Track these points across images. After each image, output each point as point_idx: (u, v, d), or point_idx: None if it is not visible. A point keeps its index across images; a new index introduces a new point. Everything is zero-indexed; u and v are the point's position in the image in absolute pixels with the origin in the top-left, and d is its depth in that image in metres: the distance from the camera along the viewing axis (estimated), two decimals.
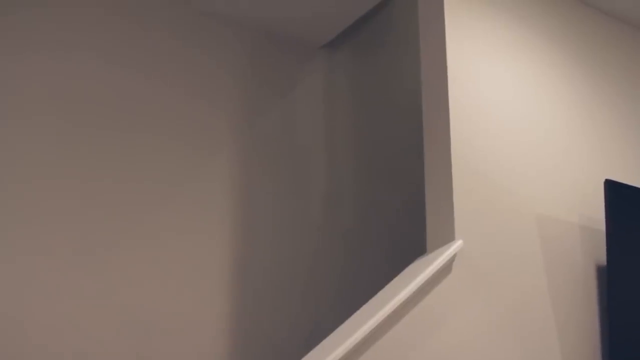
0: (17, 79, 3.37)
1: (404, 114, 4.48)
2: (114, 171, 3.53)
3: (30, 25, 3.46)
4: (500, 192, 3.22)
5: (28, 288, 3.21)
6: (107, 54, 3.64)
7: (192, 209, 3.71)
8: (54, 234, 3.32)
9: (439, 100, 3.22)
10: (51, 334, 3.21)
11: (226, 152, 3.90)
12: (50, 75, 3.46)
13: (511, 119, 3.37)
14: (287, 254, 3.96)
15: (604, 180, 3.40)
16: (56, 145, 3.41)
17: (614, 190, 3.31)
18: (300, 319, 3.89)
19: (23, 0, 3.46)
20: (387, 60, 4.58)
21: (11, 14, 3.42)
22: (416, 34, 4.54)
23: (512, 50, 3.47)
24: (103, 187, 3.49)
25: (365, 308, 2.83)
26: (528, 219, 3.28)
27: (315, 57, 4.36)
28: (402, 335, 2.76)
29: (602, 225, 3.46)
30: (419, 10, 3.45)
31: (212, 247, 3.73)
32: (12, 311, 3.14)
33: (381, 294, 2.88)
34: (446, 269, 2.95)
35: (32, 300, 3.20)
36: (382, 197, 4.36)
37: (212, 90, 3.93)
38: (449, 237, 3.02)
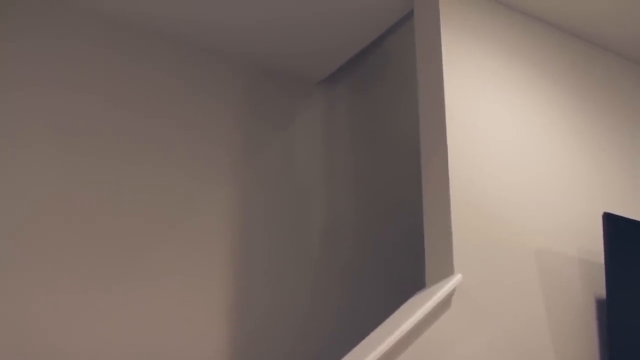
0: (18, 115, 3.39)
1: (403, 148, 4.50)
2: (114, 207, 3.54)
3: (31, 62, 3.48)
4: (499, 226, 3.23)
5: (25, 324, 3.19)
6: (106, 91, 3.66)
7: (191, 244, 3.71)
8: (52, 270, 3.31)
9: (437, 136, 3.24)
10: None
11: (225, 188, 3.91)
12: (51, 112, 3.48)
13: (510, 153, 3.39)
14: (285, 288, 3.95)
15: (602, 213, 3.41)
16: (56, 182, 3.42)
17: (613, 224, 3.31)
18: (299, 353, 3.86)
19: (24, 37, 3.50)
20: (385, 95, 4.61)
21: (13, 49, 3.45)
22: (414, 69, 4.59)
23: (510, 86, 3.50)
24: (103, 223, 3.49)
25: (365, 342, 2.81)
26: (527, 252, 3.29)
27: (313, 92, 4.39)
28: None
29: (601, 259, 3.46)
30: (416, 47, 3.48)
31: (210, 281, 3.72)
32: (13, 349, 3.13)
33: (381, 328, 2.87)
34: (446, 303, 2.94)
35: (30, 336, 3.19)
36: (381, 232, 4.36)
37: (211, 126, 3.95)
38: (448, 272, 3.03)
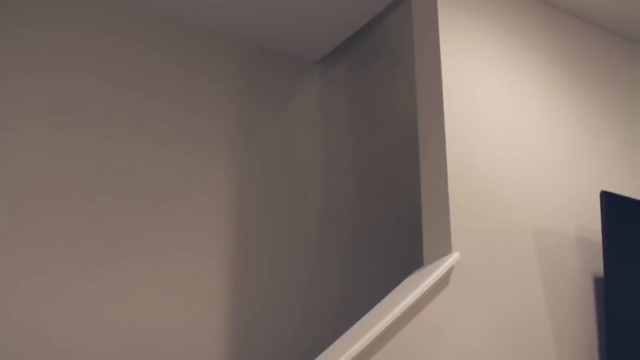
0: (16, 96, 3.39)
1: (400, 127, 4.49)
2: (112, 187, 3.54)
3: (30, 44, 3.47)
4: (496, 204, 3.24)
5: (24, 305, 3.20)
6: (105, 72, 3.65)
7: (189, 224, 3.71)
8: (50, 251, 3.31)
9: (435, 115, 3.23)
10: (48, 352, 3.21)
11: (223, 168, 3.91)
12: (49, 93, 3.47)
13: (507, 132, 3.38)
14: (284, 268, 3.96)
15: (600, 192, 3.41)
16: (55, 162, 3.42)
17: (610, 202, 3.32)
18: (299, 333, 3.88)
19: (23, 20, 3.48)
20: (383, 74, 4.60)
21: (12, 32, 3.44)
22: (411, 48, 4.57)
23: (507, 65, 3.50)
24: (101, 203, 3.49)
25: (363, 320, 2.83)
26: (525, 230, 3.29)
27: (311, 72, 4.38)
28: (401, 347, 2.76)
29: (598, 237, 3.47)
30: (413, 26, 3.47)
31: (209, 261, 3.73)
32: (10, 329, 3.14)
33: (379, 307, 2.89)
34: (444, 281, 2.95)
35: (28, 317, 3.20)
36: (379, 211, 4.37)
37: (210, 106, 3.94)
38: (446, 250, 3.03)
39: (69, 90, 3.53)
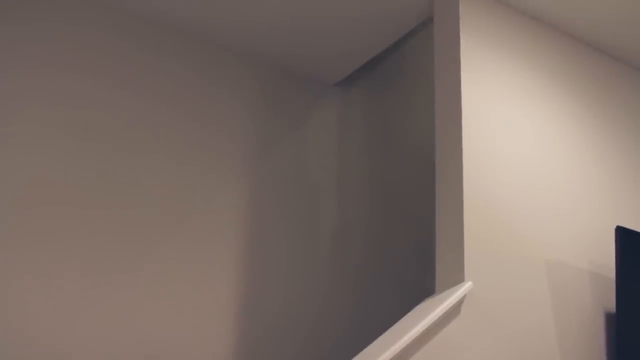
0: (31, 102, 3.41)
1: (417, 153, 4.49)
2: (126, 200, 3.55)
3: (48, 49, 3.50)
4: (510, 235, 3.22)
5: (33, 314, 3.21)
6: (124, 84, 3.67)
7: (202, 242, 3.71)
8: (60, 262, 3.32)
9: (453, 142, 3.23)
10: (55, 357, 3.22)
11: (238, 186, 3.91)
12: (67, 104, 3.50)
13: (524, 162, 3.38)
14: (297, 290, 3.95)
15: (614, 227, 3.39)
16: (68, 172, 3.43)
17: (625, 237, 3.30)
18: (307, 354, 3.86)
19: (39, 23, 3.52)
20: (401, 99, 4.61)
21: (26, 34, 3.46)
22: (431, 74, 4.59)
23: (527, 94, 3.50)
24: (113, 216, 3.49)
25: (372, 347, 2.81)
26: (538, 263, 3.28)
27: (329, 94, 4.39)
28: None
29: (612, 272, 3.45)
30: (434, 53, 3.48)
31: (221, 280, 3.72)
32: (17, 335, 3.14)
33: (389, 333, 2.87)
34: (455, 310, 2.94)
35: (36, 324, 3.20)
36: (393, 236, 4.36)
37: (227, 124, 3.95)
38: (459, 279, 3.02)
39: (87, 101, 3.55)
